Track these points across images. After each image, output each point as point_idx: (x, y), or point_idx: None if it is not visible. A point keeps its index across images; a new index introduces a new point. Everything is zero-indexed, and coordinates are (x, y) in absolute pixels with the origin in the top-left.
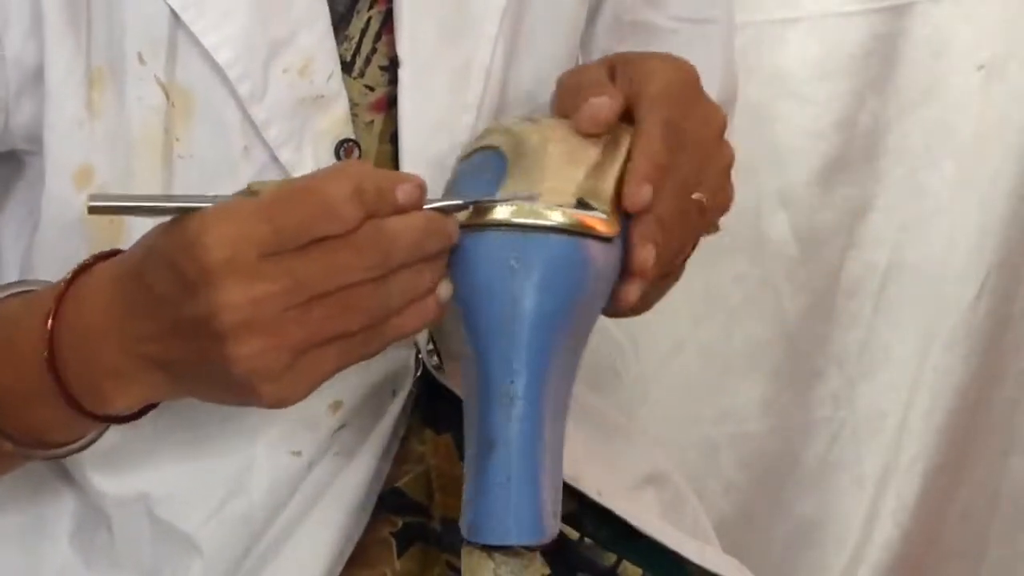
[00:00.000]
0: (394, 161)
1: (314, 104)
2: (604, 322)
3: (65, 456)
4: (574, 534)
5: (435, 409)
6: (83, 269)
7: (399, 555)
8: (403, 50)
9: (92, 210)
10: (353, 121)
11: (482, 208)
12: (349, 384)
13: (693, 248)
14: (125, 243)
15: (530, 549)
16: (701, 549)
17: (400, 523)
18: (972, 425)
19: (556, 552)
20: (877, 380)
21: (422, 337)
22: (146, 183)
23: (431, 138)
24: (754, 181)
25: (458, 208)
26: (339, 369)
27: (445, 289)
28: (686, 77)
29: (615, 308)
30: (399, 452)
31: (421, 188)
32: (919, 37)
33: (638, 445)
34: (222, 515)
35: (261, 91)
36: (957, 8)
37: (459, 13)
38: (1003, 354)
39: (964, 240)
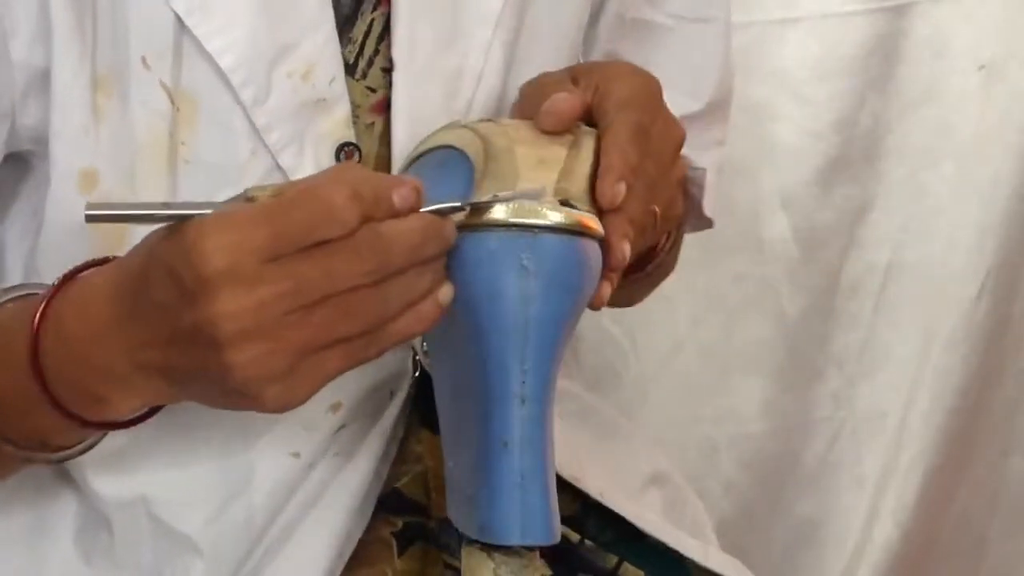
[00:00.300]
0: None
1: (315, 107)
2: (604, 322)
3: (66, 460)
4: (575, 536)
5: (431, 410)
6: (72, 275)
7: (399, 554)
8: (398, 54)
9: (90, 219)
10: (355, 123)
11: (480, 209)
12: (348, 386)
13: (671, 243)
14: (128, 247)
15: (530, 549)
16: (704, 549)
17: (400, 523)
18: (972, 425)
19: (557, 554)
20: (877, 380)
21: (417, 339)
22: (150, 188)
23: None
24: (754, 181)
25: (455, 210)
26: (340, 372)
27: (446, 292)
28: (651, 87)
29: (591, 306)
30: (397, 453)
31: (417, 191)
32: (919, 37)
33: (639, 445)
34: (222, 517)
35: (264, 96)
36: (957, 8)
37: (454, 18)
38: (1003, 354)
39: (964, 240)
